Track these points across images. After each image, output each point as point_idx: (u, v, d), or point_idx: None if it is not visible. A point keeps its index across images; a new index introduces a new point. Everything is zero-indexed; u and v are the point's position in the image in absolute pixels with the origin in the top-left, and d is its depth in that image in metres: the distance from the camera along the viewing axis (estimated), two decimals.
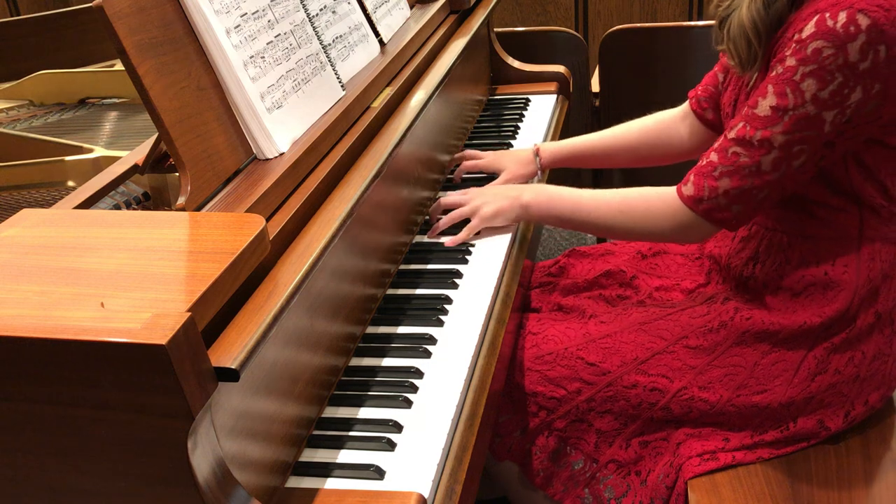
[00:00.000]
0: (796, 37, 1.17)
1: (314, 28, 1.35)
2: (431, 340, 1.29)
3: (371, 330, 1.34)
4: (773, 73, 1.20)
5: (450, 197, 1.58)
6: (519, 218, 1.53)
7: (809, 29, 1.15)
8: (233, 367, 0.85)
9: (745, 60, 1.28)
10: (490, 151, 1.79)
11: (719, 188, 1.26)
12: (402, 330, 1.33)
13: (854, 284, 1.29)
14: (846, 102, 1.16)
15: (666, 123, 1.64)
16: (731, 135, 1.25)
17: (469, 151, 1.80)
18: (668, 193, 1.34)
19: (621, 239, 1.65)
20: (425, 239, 1.57)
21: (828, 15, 1.14)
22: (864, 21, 1.12)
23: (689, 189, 1.30)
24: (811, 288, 1.32)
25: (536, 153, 1.73)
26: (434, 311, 1.36)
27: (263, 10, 1.22)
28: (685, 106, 1.61)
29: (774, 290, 1.35)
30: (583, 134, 1.75)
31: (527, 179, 1.73)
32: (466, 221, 1.54)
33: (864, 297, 1.30)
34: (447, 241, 1.53)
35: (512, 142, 1.95)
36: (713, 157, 1.28)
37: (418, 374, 1.22)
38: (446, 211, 1.57)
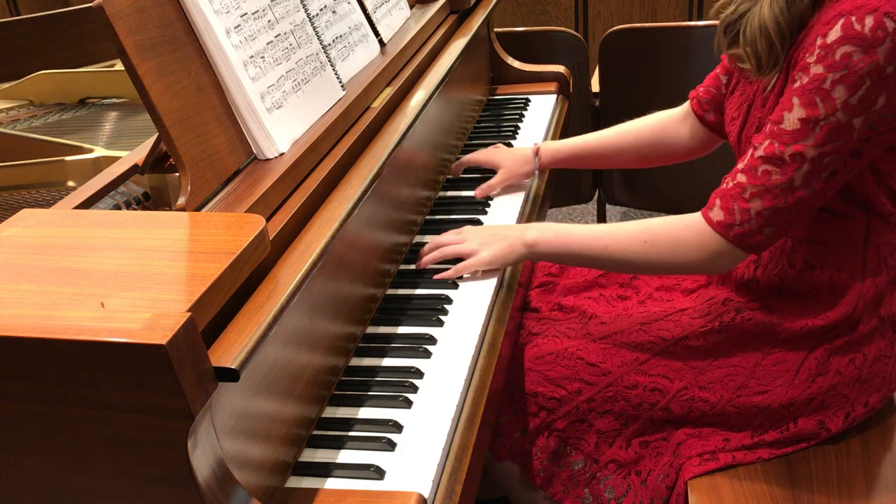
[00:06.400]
0: (820, 42, 1.13)
1: (314, 28, 1.35)
2: (431, 340, 1.29)
3: (371, 330, 1.34)
4: (798, 83, 1.16)
5: (444, 237, 1.47)
6: (521, 258, 1.42)
7: (835, 33, 1.11)
8: (233, 367, 0.85)
9: (764, 63, 1.22)
10: (489, 147, 1.79)
11: (751, 210, 1.20)
12: (402, 330, 1.33)
13: (859, 290, 1.29)
14: (873, 108, 1.13)
15: (666, 123, 1.62)
16: (759, 153, 1.19)
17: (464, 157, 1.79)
18: (695, 220, 1.26)
19: (640, 273, 1.56)
20: (425, 238, 1.57)
21: (854, 18, 1.10)
22: (890, 25, 1.09)
23: (717, 214, 1.23)
24: (815, 291, 1.31)
25: (536, 153, 1.72)
26: (434, 311, 1.36)
27: (263, 10, 1.22)
28: (685, 106, 1.58)
29: (777, 292, 1.35)
30: (583, 134, 1.74)
31: (524, 178, 1.73)
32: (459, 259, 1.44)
33: (868, 301, 1.29)
34: (437, 276, 1.44)
35: (512, 142, 1.95)
36: (741, 178, 1.21)
37: (418, 374, 1.22)
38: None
